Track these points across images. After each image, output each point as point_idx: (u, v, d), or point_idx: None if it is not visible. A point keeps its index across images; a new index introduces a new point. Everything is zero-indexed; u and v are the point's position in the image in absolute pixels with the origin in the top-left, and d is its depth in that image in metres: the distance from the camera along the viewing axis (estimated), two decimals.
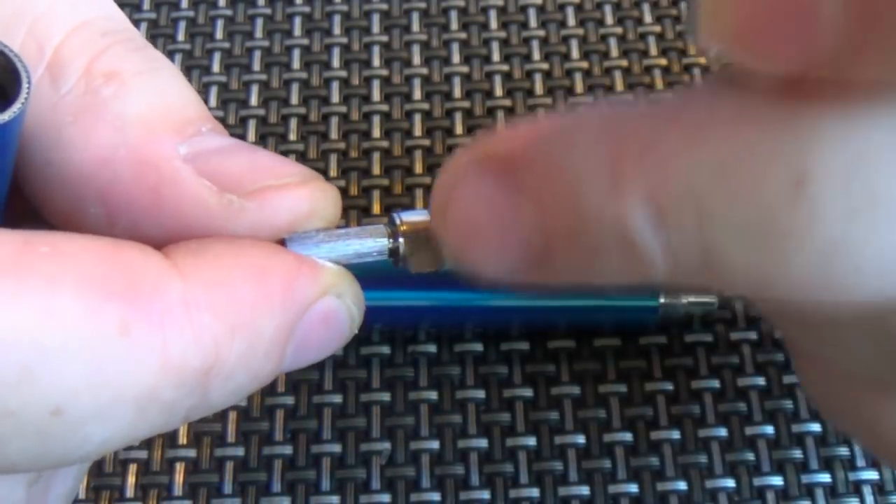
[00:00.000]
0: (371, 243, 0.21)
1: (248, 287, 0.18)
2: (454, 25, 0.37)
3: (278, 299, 0.19)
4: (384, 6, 0.38)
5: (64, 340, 0.16)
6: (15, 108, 0.17)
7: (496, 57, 0.37)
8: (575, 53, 0.36)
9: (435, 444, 0.30)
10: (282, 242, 0.20)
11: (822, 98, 0.16)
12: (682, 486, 0.29)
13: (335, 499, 0.29)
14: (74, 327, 0.16)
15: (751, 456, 0.30)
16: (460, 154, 0.19)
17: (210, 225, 0.19)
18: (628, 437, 0.30)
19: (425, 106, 0.36)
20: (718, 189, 0.16)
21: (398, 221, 0.21)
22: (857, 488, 0.29)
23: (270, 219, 0.19)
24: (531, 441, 0.30)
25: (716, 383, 0.31)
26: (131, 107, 0.19)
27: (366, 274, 0.22)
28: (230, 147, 0.20)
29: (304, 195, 0.20)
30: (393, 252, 0.21)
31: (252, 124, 0.35)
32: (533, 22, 0.37)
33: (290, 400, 0.31)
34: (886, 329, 0.18)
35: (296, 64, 0.37)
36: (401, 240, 0.21)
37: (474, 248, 0.19)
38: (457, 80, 0.36)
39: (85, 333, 0.16)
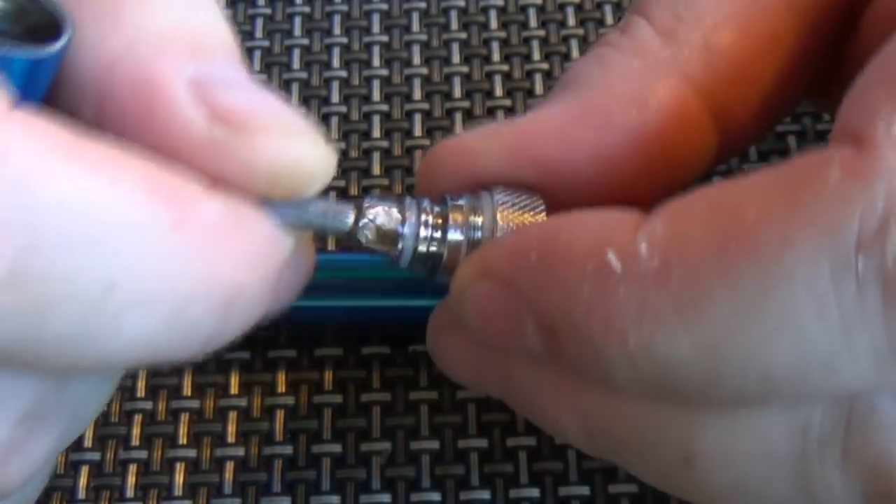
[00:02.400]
0: (333, 223, 0.22)
1: (268, 227, 0.19)
2: (454, 25, 0.37)
3: (286, 241, 0.20)
4: (384, 6, 0.38)
5: (126, 219, 0.16)
6: (56, 46, 0.17)
7: (496, 57, 0.37)
8: (575, 53, 0.36)
9: (435, 444, 0.30)
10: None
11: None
12: None
13: (335, 499, 0.29)
14: (135, 209, 0.17)
15: None
16: (436, 315, 0.25)
17: (192, 155, 0.18)
18: None
19: (425, 106, 0.36)
20: (630, 444, 0.21)
21: (364, 207, 0.22)
22: None
23: (251, 164, 0.19)
24: (531, 441, 0.30)
25: None
26: (151, 19, 0.19)
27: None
28: (238, 81, 0.19)
29: (291, 147, 0.19)
30: (350, 236, 0.22)
31: None
32: (533, 22, 0.37)
33: (290, 400, 0.31)
34: None
35: (296, 64, 0.37)
36: (362, 227, 0.22)
37: (454, 374, 0.25)
38: (457, 80, 0.36)
39: (143, 218, 0.17)
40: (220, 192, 0.19)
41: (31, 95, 0.18)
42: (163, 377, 0.31)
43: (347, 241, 0.22)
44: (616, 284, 0.18)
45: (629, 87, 0.23)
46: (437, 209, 0.23)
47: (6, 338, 0.16)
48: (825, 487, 0.19)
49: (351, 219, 0.22)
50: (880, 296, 0.16)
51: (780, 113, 0.26)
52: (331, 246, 0.33)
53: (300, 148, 0.19)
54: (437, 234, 0.22)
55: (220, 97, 0.19)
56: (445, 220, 0.22)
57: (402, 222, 0.22)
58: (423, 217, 0.22)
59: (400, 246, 0.22)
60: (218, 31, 0.20)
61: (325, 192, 0.22)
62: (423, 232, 0.22)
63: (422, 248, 0.22)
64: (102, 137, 0.17)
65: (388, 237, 0.22)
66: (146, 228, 0.17)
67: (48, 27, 0.18)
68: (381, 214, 0.22)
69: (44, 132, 0.16)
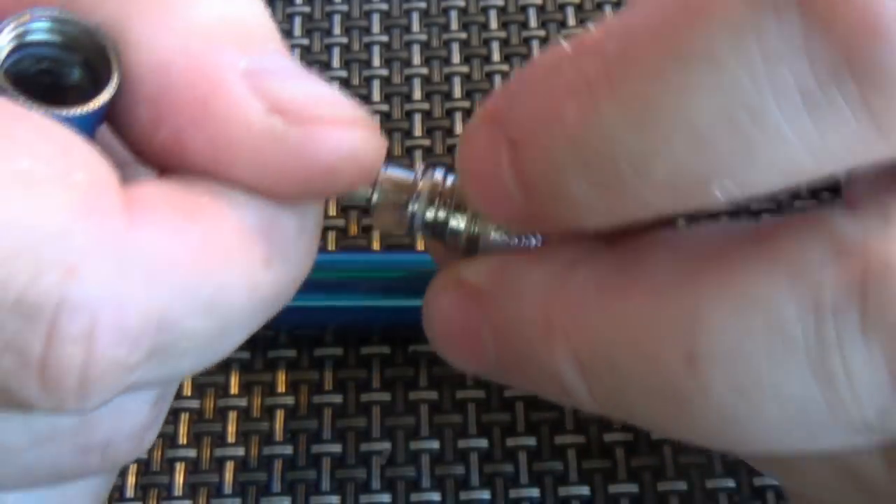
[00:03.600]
0: (353, 191, 0.22)
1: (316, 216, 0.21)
2: (454, 25, 0.37)
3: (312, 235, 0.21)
4: (384, 6, 0.38)
5: (231, 279, 0.18)
6: (104, 96, 0.18)
7: (496, 57, 0.37)
8: None
9: (435, 444, 0.30)
10: None
11: (708, 274, 0.18)
12: (682, 486, 0.29)
13: (335, 499, 0.29)
14: (238, 267, 0.19)
15: None
16: (443, 272, 0.23)
17: (250, 144, 0.19)
18: (628, 436, 0.30)
19: (425, 106, 0.36)
20: (628, 356, 0.19)
21: (380, 173, 0.22)
22: None
23: (310, 152, 0.19)
24: (531, 441, 0.30)
25: None
26: (200, 16, 0.19)
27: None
28: (292, 71, 0.20)
29: (349, 137, 0.20)
30: (368, 200, 0.22)
31: None
32: (533, 22, 0.37)
33: (290, 400, 0.31)
34: (851, 469, 0.20)
35: None
36: (376, 191, 0.22)
37: (451, 351, 0.23)
38: (457, 80, 0.36)
39: (245, 271, 0.19)
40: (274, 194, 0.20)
41: (97, 125, 0.19)
42: None
43: (367, 206, 0.23)
44: (560, 64, 0.18)
45: None
46: (451, 177, 0.23)
47: (150, 383, 0.19)
48: (844, 366, 0.17)
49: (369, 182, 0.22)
50: (797, 17, 0.16)
51: None
52: (331, 246, 0.33)
53: (358, 138, 0.20)
54: (448, 202, 0.23)
55: (276, 88, 0.19)
56: (457, 188, 0.23)
57: (415, 187, 0.22)
58: (436, 184, 0.23)
59: (410, 210, 0.22)
60: (264, 23, 0.20)
61: None
62: (433, 198, 0.23)
63: (430, 213, 0.23)
64: (198, 184, 0.19)
65: (399, 198, 0.22)
66: (248, 279, 0.19)
67: (97, 53, 0.19)
68: (392, 178, 0.22)
69: (154, 224, 0.18)
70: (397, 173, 0.23)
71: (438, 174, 0.23)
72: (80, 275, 0.16)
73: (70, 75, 0.19)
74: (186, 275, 0.18)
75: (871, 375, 0.17)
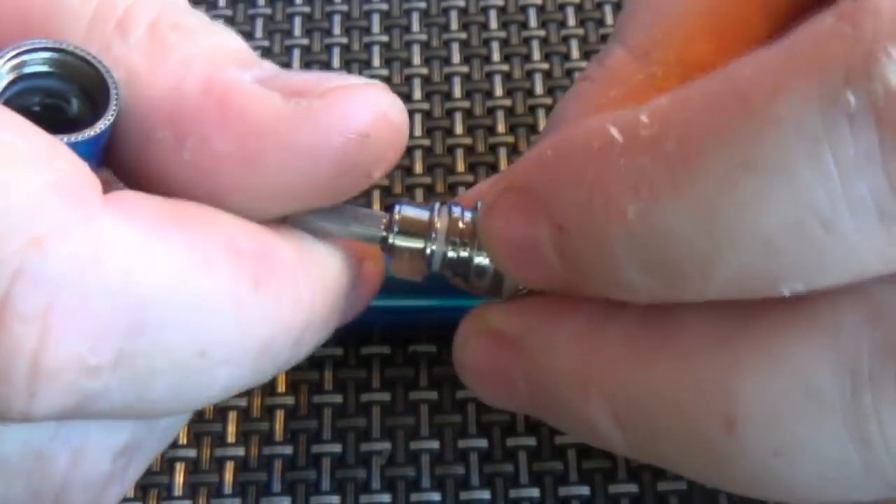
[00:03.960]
0: (366, 231, 0.22)
1: (333, 256, 0.21)
2: (454, 25, 0.37)
3: (350, 263, 0.22)
4: (384, 6, 0.38)
5: (214, 291, 0.18)
6: (102, 123, 0.19)
7: (496, 57, 0.37)
8: (575, 53, 0.36)
9: (435, 444, 0.30)
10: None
11: (744, 337, 0.19)
12: (682, 485, 0.29)
13: (335, 499, 0.29)
14: (223, 279, 0.18)
15: None
16: (471, 317, 0.23)
17: (280, 129, 0.19)
18: None
19: (425, 106, 0.36)
20: (664, 415, 0.20)
21: (396, 213, 0.22)
22: None
23: (343, 118, 0.19)
24: (531, 441, 0.30)
25: None
26: (197, 47, 0.20)
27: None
28: (293, 71, 0.21)
29: (374, 94, 0.20)
30: (383, 241, 0.22)
31: None
32: (533, 22, 0.37)
33: (290, 400, 0.31)
34: None
35: (296, 64, 0.37)
36: (394, 233, 0.22)
37: (484, 393, 0.24)
38: (457, 80, 0.36)
39: (230, 288, 0.18)
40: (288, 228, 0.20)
41: (96, 155, 0.19)
42: None
43: (382, 248, 0.22)
44: (617, 157, 0.18)
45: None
46: (468, 216, 0.23)
47: (115, 405, 0.17)
48: (882, 431, 0.17)
49: (384, 223, 0.22)
50: (874, 131, 0.15)
51: None
52: None
53: (383, 96, 0.20)
54: (468, 240, 0.22)
55: (287, 80, 0.20)
56: (474, 225, 0.22)
57: (432, 227, 0.22)
58: (454, 222, 0.22)
59: (429, 250, 0.22)
60: (250, 50, 0.21)
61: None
62: (453, 237, 0.22)
63: (452, 253, 0.22)
64: (185, 205, 0.18)
65: (417, 239, 0.22)
66: (232, 296, 0.18)
67: (94, 82, 0.19)
68: (410, 218, 0.22)
69: (137, 218, 0.17)
70: (412, 212, 0.22)
71: (456, 211, 0.23)
72: (45, 248, 0.16)
73: (69, 108, 0.19)
74: (164, 277, 0.17)
75: None
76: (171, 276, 0.17)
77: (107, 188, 0.18)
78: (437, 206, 0.23)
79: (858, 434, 0.18)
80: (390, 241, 0.22)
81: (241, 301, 0.18)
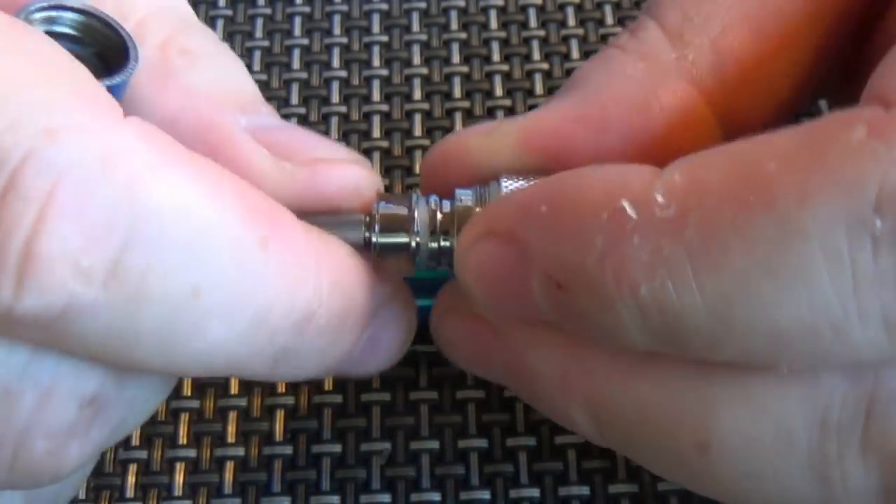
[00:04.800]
0: (347, 234, 0.22)
1: (349, 256, 0.21)
2: (454, 25, 0.37)
3: (368, 277, 0.22)
4: (384, 6, 0.38)
5: (220, 231, 0.18)
6: (122, 75, 0.19)
7: (496, 57, 0.37)
8: (575, 53, 0.36)
9: (435, 444, 0.30)
10: None
11: (726, 372, 0.19)
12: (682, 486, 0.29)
13: (335, 499, 0.29)
14: (232, 222, 0.18)
15: None
16: (452, 292, 0.24)
17: (263, 189, 0.20)
18: None
19: (425, 106, 0.36)
20: (642, 430, 0.20)
21: (375, 211, 0.22)
22: None
23: (320, 188, 0.21)
24: (531, 441, 0.30)
25: None
26: (200, 78, 0.21)
27: None
28: (287, 126, 0.22)
29: (353, 172, 0.22)
30: (367, 242, 0.22)
31: None
32: (533, 22, 0.37)
33: (290, 400, 0.31)
34: None
35: (296, 64, 0.37)
36: (375, 232, 0.22)
37: (459, 361, 0.24)
38: (457, 80, 0.36)
39: (236, 234, 0.18)
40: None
41: None
42: None
43: (366, 248, 0.22)
44: (631, 233, 0.18)
45: (631, 90, 0.23)
46: (445, 204, 0.23)
47: (99, 327, 0.17)
48: (842, 477, 0.19)
49: (363, 223, 0.22)
50: (894, 256, 0.16)
51: (791, 115, 0.26)
52: None
53: (359, 175, 0.22)
54: (448, 229, 0.22)
55: (280, 137, 0.21)
56: (454, 214, 0.22)
57: (412, 220, 0.22)
58: (433, 213, 0.22)
59: (413, 243, 0.22)
60: (254, 88, 0.22)
61: None
62: (433, 228, 0.22)
63: (433, 244, 0.22)
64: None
65: (400, 234, 0.22)
66: (237, 243, 0.18)
67: (113, 48, 0.20)
68: (389, 215, 0.22)
69: (155, 141, 0.18)
70: (391, 208, 0.23)
71: (433, 203, 0.23)
72: (59, 138, 0.16)
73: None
74: (169, 198, 0.17)
75: (865, 487, 0.19)
76: (178, 200, 0.17)
77: None
78: (414, 197, 0.23)
79: (821, 476, 0.19)
80: (374, 240, 0.22)
81: (245, 252, 0.18)
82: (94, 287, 0.17)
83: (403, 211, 0.22)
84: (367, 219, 0.22)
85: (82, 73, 0.18)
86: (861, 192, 0.16)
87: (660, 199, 0.18)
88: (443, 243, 0.22)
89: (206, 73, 0.21)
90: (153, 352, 0.18)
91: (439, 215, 0.22)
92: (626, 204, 0.18)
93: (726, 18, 0.23)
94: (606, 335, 0.19)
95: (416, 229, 0.22)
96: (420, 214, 0.22)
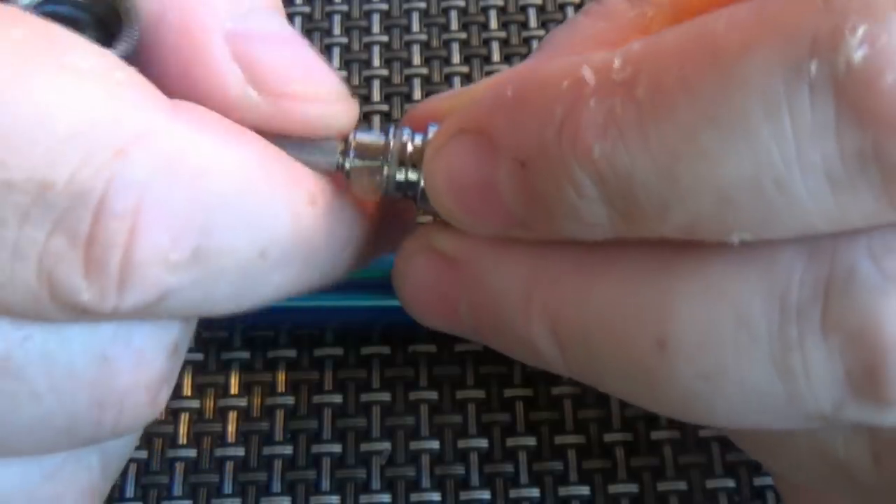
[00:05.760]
0: (322, 158, 0.22)
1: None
2: (454, 25, 0.37)
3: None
4: (384, 6, 0.38)
5: (278, 197, 0.20)
6: (122, 48, 0.19)
7: (496, 57, 0.37)
8: None
9: (435, 444, 0.30)
10: None
11: (683, 264, 0.19)
12: (682, 486, 0.29)
13: (335, 499, 0.29)
14: (285, 189, 0.20)
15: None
16: (416, 235, 0.24)
17: (225, 110, 0.20)
18: (628, 436, 0.30)
19: None
20: (602, 335, 0.20)
21: (351, 139, 0.22)
22: None
23: (281, 121, 0.21)
24: (531, 441, 0.30)
25: None
26: None
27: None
28: (276, 37, 0.22)
29: (319, 114, 0.22)
30: (340, 167, 0.23)
31: None
32: (533, 22, 0.37)
33: (290, 400, 0.31)
34: (823, 448, 0.20)
35: None
36: (349, 158, 0.23)
37: (424, 313, 0.24)
38: (457, 80, 0.36)
39: (290, 196, 0.20)
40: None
41: None
42: None
43: (339, 172, 0.23)
44: (587, 97, 0.18)
45: (591, 46, 0.23)
46: (418, 137, 0.23)
47: (186, 302, 0.19)
48: (804, 364, 0.18)
49: (338, 148, 0.22)
50: (832, 103, 0.16)
51: None
52: None
53: (326, 115, 0.22)
54: (417, 162, 0.23)
55: (256, 54, 0.21)
56: (425, 146, 0.23)
57: (386, 148, 0.23)
58: (404, 144, 0.23)
59: (385, 171, 0.22)
60: None
61: None
62: (402, 158, 0.23)
63: (400, 176, 0.23)
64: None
65: (374, 160, 0.23)
66: (291, 206, 0.20)
67: (112, 16, 0.20)
68: (364, 140, 0.23)
69: (204, 124, 0.19)
70: (367, 137, 0.23)
71: (406, 134, 0.23)
72: (130, 156, 0.17)
73: (85, 36, 0.19)
74: (231, 182, 0.19)
75: (827, 373, 0.18)
76: (236, 180, 0.19)
77: None
78: (391, 129, 0.23)
79: (783, 364, 0.18)
80: (347, 165, 0.23)
81: (297, 211, 0.20)
82: (181, 273, 0.18)
83: (379, 140, 0.23)
84: (343, 145, 0.23)
85: (116, 67, 0.18)
86: (797, 39, 0.16)
87: (617, 63, 0.18)
88: (410, 175, 0.23)
89: None
90: (228, 304, 0.20)
91: (410, 147, 0.23)
92: (585, 71, 0.19)
93: None
94: (570, 216, 0.19)
95: (388, 158, 0.23)
96: (394, 143, 0.23)
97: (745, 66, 0.17)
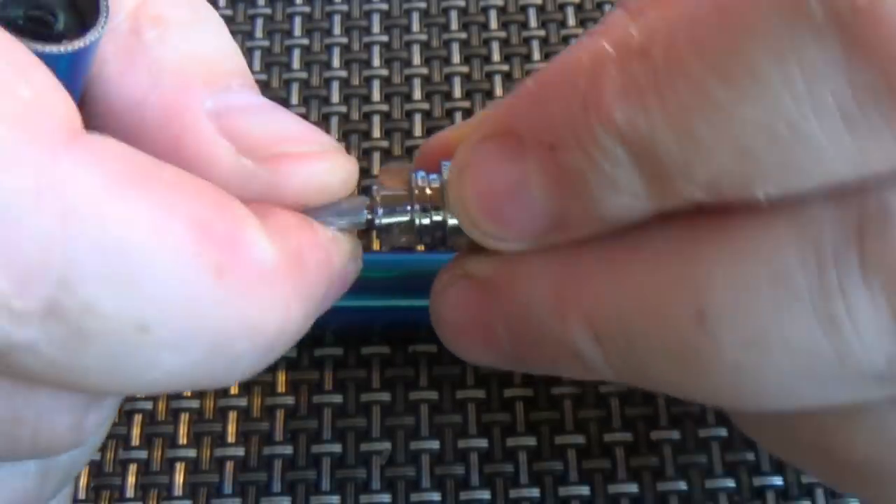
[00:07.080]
0: (350, 218, 0.22)
1: (318, 264, 0.20)
2: (454, 25, 0.37)
3: (331, 273, 0.21)
4: (384, 6, 0.38)
5: (169, 262, 0.16)
6: (90, 36, 0.18)
7: (496, 57, 0.37)
8: None
9: (435, 444, 0.30)
10: None
11: (710, 232, 0.19)
12: (682, 486, 0.29)
13: (335, 499, 0.29)
14: (180, 253, 0.16)
15: (751, 456, 0.30)
16: (448, 267, 0.23)
17: (225, 185, 0.19)
18: (628, 436, 0.30)
19: (425, 106, 0.36)
20: (639, 319, 0.20)
21: (375, 194, 0.22)
22: None
23: (281, 188, 0.20)
24: (531, 441, 0.30)
25: None
26: (170, 53, 0.19)
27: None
28: (257, 107, 0.21)
29: (319, 169, 0.21)
30: (370, 223, 0.22)
31: None
32: (533, 22, 0.37)
33: (290, 400, 0.31)
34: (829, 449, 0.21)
35: (296, 64, 0.37)
36: (378, 214, 0.22)
37: (463, 344, 0.23)
38: (457, 80, 0.36)
39: (187, 263, 0.17)
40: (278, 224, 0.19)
41: (82, 71, 0.19)
42: None
43: (368, 229, 0.23)
44: (608, 67, 0.18)
45: None
46: (433, 179, 0.23)
47: (44, 363, 0.16)
48: (849, 311, 0.18)
49: (366, 208, 0.22)
50: (838, 43, 0.16)
51: None
52: None
53: (325, 170, 0.21)
54: (439, 204, 0.23)
55: (245, 126, 0.20)
56: (443, 186, 0.23)
57: (410, 196, 0.23)
58: (424, 188, 0.23)
59: (417, 221, 0.23)
60: (231, 56, 0.21)
61: None
62: (424, 204, 0.23)
63: (426, 220, 0.23)
64: (166, 167, 0.17)
65: (401, 212, 0.23)
66: (187, 275, 0.17)
67: (87, 2, 0.18)
68: (388, 194, 0.23)
69: (104, 164, 0.16)
70: (390, 191, 0.23)
71: (422, 178, 0.23)
72: None
73: (56, 22, 0.18)
74: (108, 233, 0.16)
75: (875, 319, 0.18)
76: (117, 234, 0.16)
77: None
78: (412, 175, 0.23)
79: (827, 316, 0.18)
80: (376, 222, 0.23)
81: (194, 285, 0.17)
82: (32, 327, 0.16)
83: (400, 192, 0.23)
84: (369, 202, 0.23)
85: (29, 76, 0.16)
86: None
87: (633, 31, 0.18)
88: (434, 218, 0.23)
89: (178, 44, 0.19)
90: (107, 381, 0.17)
91: (428, 191, 0.23)
92: (605, 44, 0.19)
93: None
94: (605, 189, 0.19)
95: (414, 207, 0.23)
96: (416, 192, 0.23)
97: (749, 15, 0.17)
